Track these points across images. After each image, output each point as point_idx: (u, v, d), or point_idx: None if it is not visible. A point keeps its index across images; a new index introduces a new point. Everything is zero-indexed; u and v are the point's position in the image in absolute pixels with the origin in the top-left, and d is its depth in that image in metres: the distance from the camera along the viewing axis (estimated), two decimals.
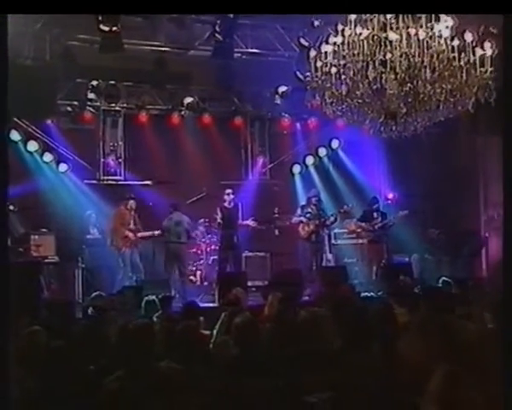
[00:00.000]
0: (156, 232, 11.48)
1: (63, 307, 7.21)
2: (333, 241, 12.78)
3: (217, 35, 9.26)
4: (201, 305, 9.07)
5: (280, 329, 6.22)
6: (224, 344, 5.92)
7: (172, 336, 5.24)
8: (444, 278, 9.46)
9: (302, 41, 9.42)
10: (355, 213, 12.28)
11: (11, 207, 10.87)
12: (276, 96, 12.32)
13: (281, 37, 10.12)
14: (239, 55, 10.01)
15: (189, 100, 12.60)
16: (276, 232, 12.97)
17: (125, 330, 4.90)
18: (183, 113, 12.78)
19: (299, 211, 12.01)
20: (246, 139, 13.91)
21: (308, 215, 11.77)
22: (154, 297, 7.81)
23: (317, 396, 3.84)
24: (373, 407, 4.00)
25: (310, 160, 13.94)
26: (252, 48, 10.15)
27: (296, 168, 13.89)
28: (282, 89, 12.02)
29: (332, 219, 11.92)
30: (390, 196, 13.31)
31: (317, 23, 9.09)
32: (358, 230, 12.26)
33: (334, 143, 13.75)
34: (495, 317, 5.59)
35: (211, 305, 9.66)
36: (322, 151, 13.91)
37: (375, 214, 11.93)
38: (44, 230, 11.32)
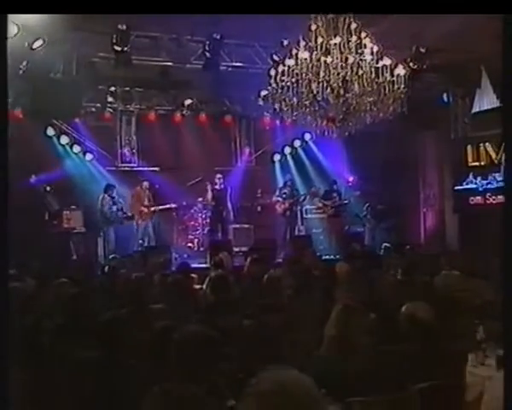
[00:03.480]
0: (172, 205, 12.01)
1: (87, 265, 7.75)
2: (304, 215, 13.13)
3: (206, 53, 9.70)
4: (196, 266, 9.66)
5: (250, 282, 6.90)
6: (206, 294, 6.57)
7: (166, 287, 5.91)
8: (385, 244, 10.15)
9: (274, 57, 9.78)
10: (321, 193, 12.74)
11: (48, 189, 11.42)
12: (259, 98, 12.58)
13: (259, 53, 10.44)
14: (225, 67, 10.39)
15: (188, 102, 12.75)
16: (259, 209, 13.25)
17: (129, 280, 5.61)
18: (184, 112, 12.92)
19: (277, 192, 12.53)
20: (235, 134, 14.08)
21: (284, 196, 12.38)
22: (157, 259, 8.44)
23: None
24: (305, 338, 4.57)
25: (287, 150, 14.18)
26: (236, 62, 10.42)
27: (276, 157, 14.15)
28: (264, 93, 12.30)
29: (302, 198, 12.55)
30: (350, 179, 13.57)
31: (285, 42, 9.42)
32: (323, 206, 12.71)
33: (307, 137, 13.93)
34: (404, 272, 6.30)
35: (204, 266, 9.95)
36: (297, 143, 14.09)
37: (333, 194, 12.50)
38: (74, 207, 11.48)
